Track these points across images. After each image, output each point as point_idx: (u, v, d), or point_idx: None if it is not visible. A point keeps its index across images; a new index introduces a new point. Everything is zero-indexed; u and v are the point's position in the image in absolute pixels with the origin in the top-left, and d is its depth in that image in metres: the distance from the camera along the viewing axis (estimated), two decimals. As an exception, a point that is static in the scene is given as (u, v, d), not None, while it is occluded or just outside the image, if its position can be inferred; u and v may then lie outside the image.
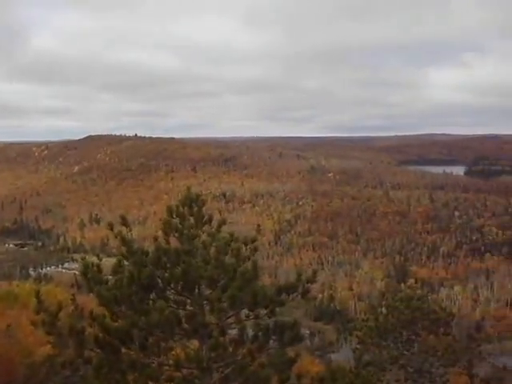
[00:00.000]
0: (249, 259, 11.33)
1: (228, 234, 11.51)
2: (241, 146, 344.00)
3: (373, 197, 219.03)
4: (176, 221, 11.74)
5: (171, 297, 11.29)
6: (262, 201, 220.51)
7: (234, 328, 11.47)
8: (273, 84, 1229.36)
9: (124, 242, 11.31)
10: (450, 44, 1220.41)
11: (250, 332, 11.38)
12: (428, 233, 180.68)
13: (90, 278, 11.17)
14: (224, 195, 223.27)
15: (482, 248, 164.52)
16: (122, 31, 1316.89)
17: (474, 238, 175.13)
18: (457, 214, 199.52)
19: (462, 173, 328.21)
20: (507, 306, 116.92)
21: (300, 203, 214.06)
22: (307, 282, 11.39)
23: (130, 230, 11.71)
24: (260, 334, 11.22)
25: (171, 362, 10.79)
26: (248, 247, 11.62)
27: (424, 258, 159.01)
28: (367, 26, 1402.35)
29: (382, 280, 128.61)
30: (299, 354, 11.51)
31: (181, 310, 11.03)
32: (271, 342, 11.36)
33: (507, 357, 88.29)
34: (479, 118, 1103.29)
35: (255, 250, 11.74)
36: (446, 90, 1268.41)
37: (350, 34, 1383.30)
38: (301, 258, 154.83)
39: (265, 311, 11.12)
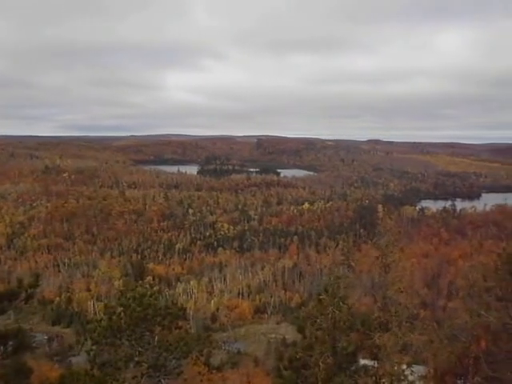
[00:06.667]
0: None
1: None
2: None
3: (109, 196, 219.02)
4: None
5: None
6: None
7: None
8: (2, 80, 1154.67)
9: None
10: (188, 49, 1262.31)
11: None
12: (164, 230, 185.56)
13: None
14: None
15: (215, 243, 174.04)
16: None
17: (208, 233, 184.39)
18: (191, 211, 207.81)
19: (195, 172, 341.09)
20: (239, 295, 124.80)
21: (34, 204, 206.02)
22: (30, 288, 11.02)
23: None
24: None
25: None
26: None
27: (160, 255, 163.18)
28: (106, 25, 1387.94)
29: (119, 279, 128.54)
30: (25, 363, 11.11)
31: None
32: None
33: (240, 342, 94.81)
34: (213, 120, 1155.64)
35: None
36: (183, 92, 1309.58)
37: (88, 33, 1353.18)
38: (36, 262, 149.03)
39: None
